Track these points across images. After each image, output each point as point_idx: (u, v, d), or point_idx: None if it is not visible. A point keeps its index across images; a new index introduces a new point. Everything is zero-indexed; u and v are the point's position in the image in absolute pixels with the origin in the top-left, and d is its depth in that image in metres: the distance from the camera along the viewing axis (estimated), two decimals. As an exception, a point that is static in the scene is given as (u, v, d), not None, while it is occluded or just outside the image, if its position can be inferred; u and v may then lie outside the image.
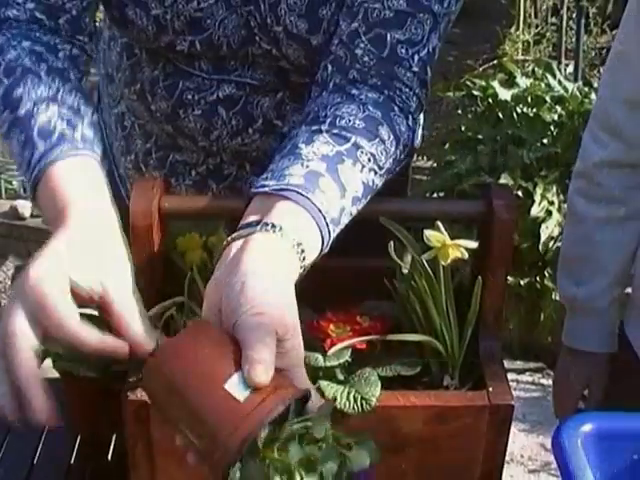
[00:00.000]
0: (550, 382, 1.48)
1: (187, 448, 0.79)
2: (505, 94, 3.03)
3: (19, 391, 0.80)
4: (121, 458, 1.01)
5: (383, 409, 0.93)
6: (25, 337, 0.80)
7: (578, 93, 3.01)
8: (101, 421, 1.16)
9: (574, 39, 3.77)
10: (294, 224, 0.86)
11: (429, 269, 0.96)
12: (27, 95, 0.96)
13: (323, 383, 0.94)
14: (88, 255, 0.85)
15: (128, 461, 0.96)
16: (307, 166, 0.91)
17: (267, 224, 0.85)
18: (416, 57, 1.03)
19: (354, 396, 0.93)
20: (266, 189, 0.89)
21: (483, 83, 3.07)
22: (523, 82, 3.07)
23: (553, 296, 2.79)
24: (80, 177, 0.92)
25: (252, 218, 0.88)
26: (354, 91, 1.02)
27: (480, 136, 2.98)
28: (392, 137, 0.99)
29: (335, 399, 0.91)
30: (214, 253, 1.02)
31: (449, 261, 0.94)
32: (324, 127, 0.96)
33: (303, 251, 0.85)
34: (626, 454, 0.93)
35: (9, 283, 3.17)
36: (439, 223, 0.94)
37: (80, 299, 0.84)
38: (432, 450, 0.96)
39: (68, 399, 1.17)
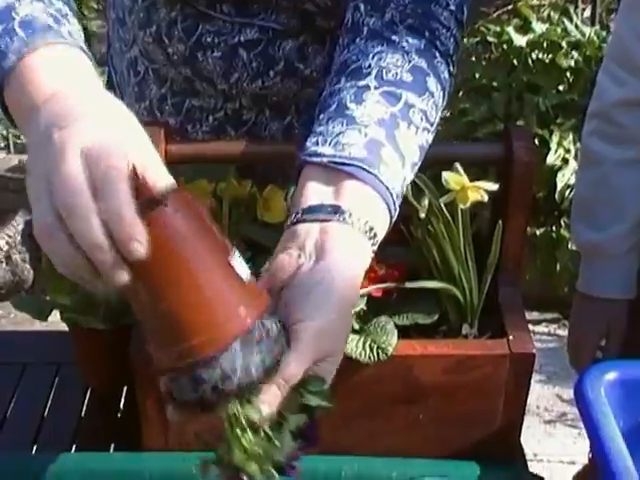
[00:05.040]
0: (566, 333, 1.44)
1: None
2: (520, 40, 2.98)
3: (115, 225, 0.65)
4: (131, 411, 1.00)
5: (400, 358, 0.91)
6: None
7: (595, 38, 2.96)
8: (110, 374, 1.14)
9: (591, -18, 3.70)
10: (366, 209, 0.82)
11: (447, 213, 0.93)
12: None
13: (338, 332, 0.92)
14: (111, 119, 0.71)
15: (139, 414, 0.95)
16: (366, 134, 0.85)
17: (343, 212, 0.80)
18: None
19: (370, 345, 0.91)
20: (324, 160, 0.83)
21: (497, 29, 3.03)
22: (539, 27, 3.03)
23: (569, 246, 2.77)
24: (71, 63, 0.79)
25: (319, 198, 0.82)
26: (394, 37, 0.95)
27: (495, 83, 2.94)
28: (439, 88, 0.93)
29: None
30: (224, 200, 1.00)
31: (468, 204, 0.91)
32: (372, 83, 0.90)
33: (375, 235, 0.82)
34: (651, 402, 0.91)
35: (19, 238, 3.15)
36: (458, 165, 0.91)
37: None
38: (451, 400, 0.94)
39: (77, 351, 1.15)
